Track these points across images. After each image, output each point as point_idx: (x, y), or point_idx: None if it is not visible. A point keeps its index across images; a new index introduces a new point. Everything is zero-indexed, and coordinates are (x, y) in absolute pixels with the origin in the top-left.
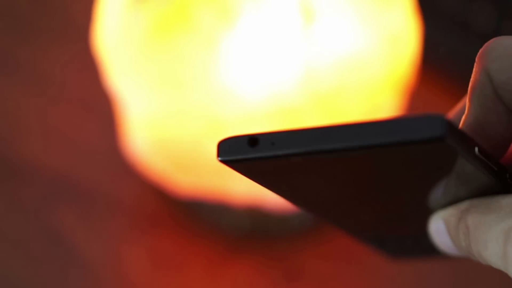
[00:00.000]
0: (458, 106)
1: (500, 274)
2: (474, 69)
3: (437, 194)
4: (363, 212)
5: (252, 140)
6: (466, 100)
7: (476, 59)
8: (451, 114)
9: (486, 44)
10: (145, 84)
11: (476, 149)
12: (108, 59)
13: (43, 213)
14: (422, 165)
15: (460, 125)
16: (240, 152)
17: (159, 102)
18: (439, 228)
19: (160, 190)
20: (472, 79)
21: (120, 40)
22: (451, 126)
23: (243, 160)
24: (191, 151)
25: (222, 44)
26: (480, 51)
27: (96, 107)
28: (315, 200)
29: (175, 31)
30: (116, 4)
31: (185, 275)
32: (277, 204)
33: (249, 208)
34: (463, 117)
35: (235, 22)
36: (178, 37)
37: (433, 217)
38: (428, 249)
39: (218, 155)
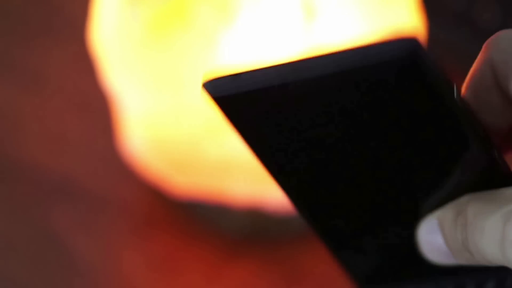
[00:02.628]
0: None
1: None
2: (477, 59)
3: (431, 196)
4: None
5: (235, 76)
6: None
7: (482, 49)
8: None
9: (493, 36)
10: (143, 82)
11: (455, 89)
12: (105, 57)
13: (40, 214)
14: (399, 99)
15: None
16: (225, 89)
17: (157, 101)
18: (431, 227)
19: (159, 192)
20: (473, 67)
21: (118, 39)
22: (422, 49)
23: (229, 96)
24: (190, 151)
25: (221, 41)
26: (487, 41)
27: (94, 107)
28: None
29: (173, 29)
30: (113, 2)
31: (184, 277)
32: (277, 206)
33: (249, 210)
34: None
35: (234, 18)
36: (176, 34)
37: (425, 220)
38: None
39: (209, 92)
